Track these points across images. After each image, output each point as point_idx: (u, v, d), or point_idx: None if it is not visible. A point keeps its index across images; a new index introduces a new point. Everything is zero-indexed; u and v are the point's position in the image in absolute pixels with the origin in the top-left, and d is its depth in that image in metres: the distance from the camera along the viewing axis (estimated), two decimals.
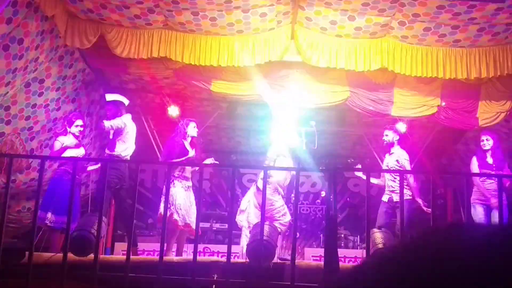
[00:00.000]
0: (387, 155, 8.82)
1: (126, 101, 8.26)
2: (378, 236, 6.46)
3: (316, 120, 8.55)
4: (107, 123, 7.86)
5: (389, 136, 8.69)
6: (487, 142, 8.03)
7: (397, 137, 8.72)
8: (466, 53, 8.04)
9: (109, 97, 8.16)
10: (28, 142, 8.72)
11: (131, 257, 5.68)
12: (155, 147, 10.72)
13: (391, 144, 8.68)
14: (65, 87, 8.87)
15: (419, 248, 0.66)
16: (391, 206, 8.21)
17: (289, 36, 7.95)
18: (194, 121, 8.61)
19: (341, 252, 7.01)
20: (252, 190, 8.53)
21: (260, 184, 7.63)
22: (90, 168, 8.43)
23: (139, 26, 7.95)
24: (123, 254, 7.91)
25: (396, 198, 8.02)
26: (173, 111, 10.38)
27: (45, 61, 8.09)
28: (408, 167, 8.47)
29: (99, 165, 8.17)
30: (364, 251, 8.87)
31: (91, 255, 5.74)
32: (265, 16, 7.60)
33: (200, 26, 7.82)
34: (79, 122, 8.26)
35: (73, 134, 8.18)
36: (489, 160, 7.98)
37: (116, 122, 7.93)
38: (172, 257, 7.31)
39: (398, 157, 8.50)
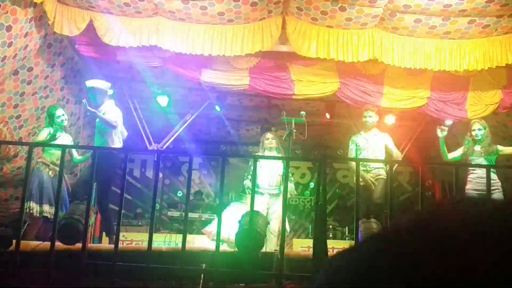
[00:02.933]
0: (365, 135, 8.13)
1: (105, 85, 7.88)
2: (372, 226, 6.42)
3: (306, 111, 8.54)
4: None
5: (373, 117, 8.04)
6: (479, 132, 7.58)
7: (377, 118, 8.13)
8: (456, 45, 8.05)
9: (89, 83, 7.81)
10: (16, 131, 8.66)
11: (120, 246, 5.66)
12: (144, 136, 10.68)
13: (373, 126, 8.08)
14: (54, 75, 8.81)
15: (415, 229, 0.65)
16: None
17: (279, 26, 7.92)
18: None
19: (329, 243, 7.00)
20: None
21: None
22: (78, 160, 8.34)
23: (129, 14, 7.89)
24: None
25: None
26: (162, 100, 10.36)
27: (34, 48, 8.02)
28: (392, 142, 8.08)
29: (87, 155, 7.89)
30: (352, 242, 8.88)
31: (79, 244, 5.71)
32: (256, 6, 7.57)
33: (191, 15, 7.78)
34: (60, 112, 7.89)
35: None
36: (477, 147, 7.55)
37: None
38: (161, 246, 7.29)
39: (385, 139, 8.00)
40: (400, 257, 0.60)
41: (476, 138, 7.53)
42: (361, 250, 0.70)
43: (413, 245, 0.60)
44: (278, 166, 8.04)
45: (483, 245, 0.58)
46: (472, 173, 7.44)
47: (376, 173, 7.76)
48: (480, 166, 7.14)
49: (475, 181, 7.33)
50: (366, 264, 0.63)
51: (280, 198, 7.84)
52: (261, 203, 7.78)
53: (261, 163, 8.06)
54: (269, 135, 8.41)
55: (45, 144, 7.67)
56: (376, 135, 8.01)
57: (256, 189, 7.97)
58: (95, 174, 6.12)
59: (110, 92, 7.80)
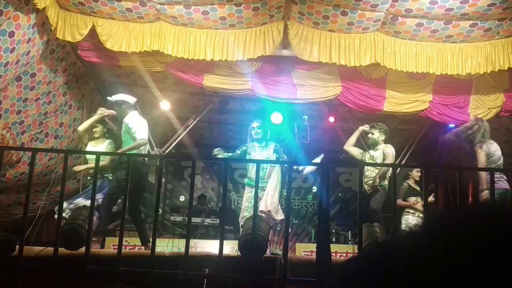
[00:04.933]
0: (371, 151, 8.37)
1: (131, 99, 7.82)
2: (375, 230, 6.41)
3: (308, 115, 8.54)
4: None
5: (375, 135, 8.23)
6: None
7: (383, 137, 8.25)
8: (458, 48, 8.06)
9: (113, 97, 7.87)
10: (19, 136, 8.67)
11: (123, 250, 5.66)
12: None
13: (376, 144, 8.24)
14: (56, 80, 8.83)
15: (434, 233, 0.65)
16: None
17: (281, 31, 7.94)
18: None
19: (332, 247, 7.00)
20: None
21: None
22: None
23: (131, 19, 7.91)
24: (114, 249, 7.88)
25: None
26: (164, 105, 10.36)
27: (37, 54, 8.04)
28: (391, 157, 8.07)
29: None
30: (355, 245, 8.87)
31: (82, 249, 5.71)
32: (258, 11, 7.58)
33: (193, 20, 7.79)
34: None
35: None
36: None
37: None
38: (164, 251, 7.29)
39: (383, 149, 8.11)
40: (415, 263, 0.60)
41: None
42: (373, 256, 0.70)
43: (427, 252, 0.60)
44: (269, 158, 8.01)
45: (493, 250, 0.58)
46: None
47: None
48: (483, 169, 7.11)
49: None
50: (378, 271, 0.62)
51: (270, 184, 7.90)
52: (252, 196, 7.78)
53: (252, 155, 8.07)
54: (255, 124, 8.30)
55: (46, 150, 7.70)
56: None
57: (248, 181, 8.00)
58: (129, 182, 6.29)
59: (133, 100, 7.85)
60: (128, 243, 9.64)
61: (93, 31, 7.93)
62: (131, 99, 7.74)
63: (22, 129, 8.68)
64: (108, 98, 7.83)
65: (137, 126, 7.42)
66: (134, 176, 6.92)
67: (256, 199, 5.74)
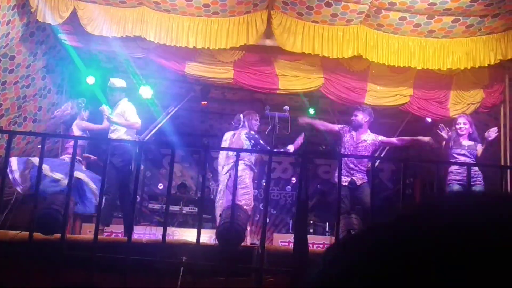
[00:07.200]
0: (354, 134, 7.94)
1: (124, 84, 7.95)
2: (353, 221, 6.42)
3: (290, 106, 8.53)
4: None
5: (359, 116, 7.84)
6: (464, 126, 7.53)
7: (367, 119, 7.89)
8: (440, 44, 8.10)
9: (114, 82, 7.89)
10: None
11: (99, 236, 5.63)
12: None
13: (360, 125, 7.86)
14: (36, 64, 8.71)
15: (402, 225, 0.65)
16: (351, 189, 7.53)
17: (265, 20, 7.90)
18: None
19: (310, 238, 7.01)
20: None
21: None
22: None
23: (113, 4, 7.82)
24: (90, 234, 7.84)
25: (359, 182, 7.58)
26: (145, 92, 10.27)
27: (16, 37, 7.93)
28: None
29: None
30: (332, 237, 8.91)
31: (58, 234, 5.67)
32: None
33: (176, 6, 7.73)
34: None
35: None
36: (464, 142, 7.50)
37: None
38: (141, 238, 7.26)
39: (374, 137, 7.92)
40: (387, 252, 0.60)
41: (460, 132, 7.54)
42: (354, 244, 0.69)
43: (398, 241, 0.60)
44: (240, 144, 8.06)
45: (465, 238, 0.58)
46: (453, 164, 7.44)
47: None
48: (460, 164, 7.18)
49: (457, 171, 7.32)
50: (357, 259, 0.62)
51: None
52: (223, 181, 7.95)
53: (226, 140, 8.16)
54: (257, 116, 8.35)
55: (23, 133, 7.62)
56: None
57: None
58: (118, 169, 6.42)
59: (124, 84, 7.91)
60: (105, 229, 9.58)
61: (74, 14, 7.83)
62: (124, 84, 7.82)
63: (1, 112, 8.56)
64: (112, 81, 7.87)
65: (130, 112, 7.61)
66: (130, 160, 7.35)
67: (235, 187, 5.74)
